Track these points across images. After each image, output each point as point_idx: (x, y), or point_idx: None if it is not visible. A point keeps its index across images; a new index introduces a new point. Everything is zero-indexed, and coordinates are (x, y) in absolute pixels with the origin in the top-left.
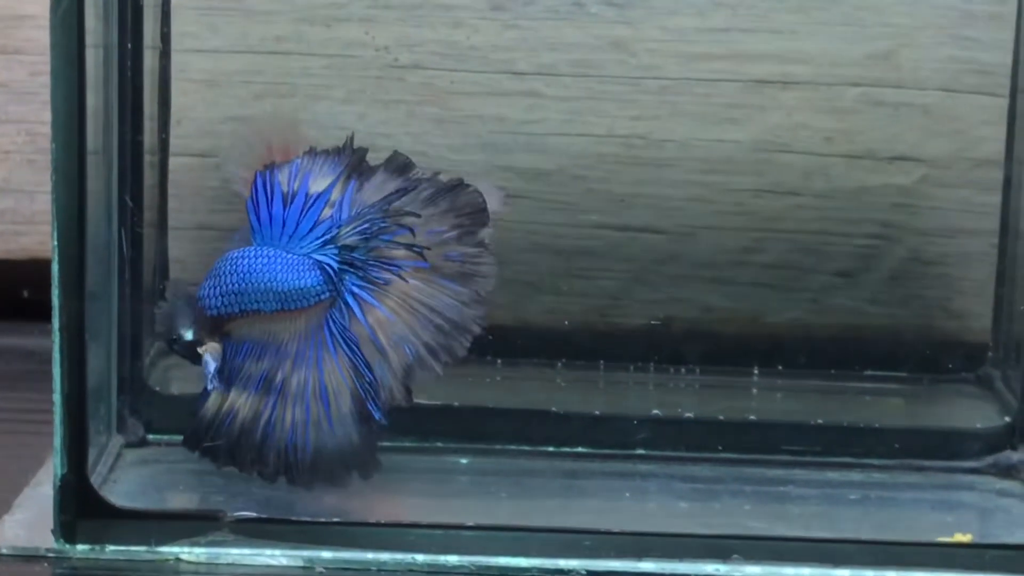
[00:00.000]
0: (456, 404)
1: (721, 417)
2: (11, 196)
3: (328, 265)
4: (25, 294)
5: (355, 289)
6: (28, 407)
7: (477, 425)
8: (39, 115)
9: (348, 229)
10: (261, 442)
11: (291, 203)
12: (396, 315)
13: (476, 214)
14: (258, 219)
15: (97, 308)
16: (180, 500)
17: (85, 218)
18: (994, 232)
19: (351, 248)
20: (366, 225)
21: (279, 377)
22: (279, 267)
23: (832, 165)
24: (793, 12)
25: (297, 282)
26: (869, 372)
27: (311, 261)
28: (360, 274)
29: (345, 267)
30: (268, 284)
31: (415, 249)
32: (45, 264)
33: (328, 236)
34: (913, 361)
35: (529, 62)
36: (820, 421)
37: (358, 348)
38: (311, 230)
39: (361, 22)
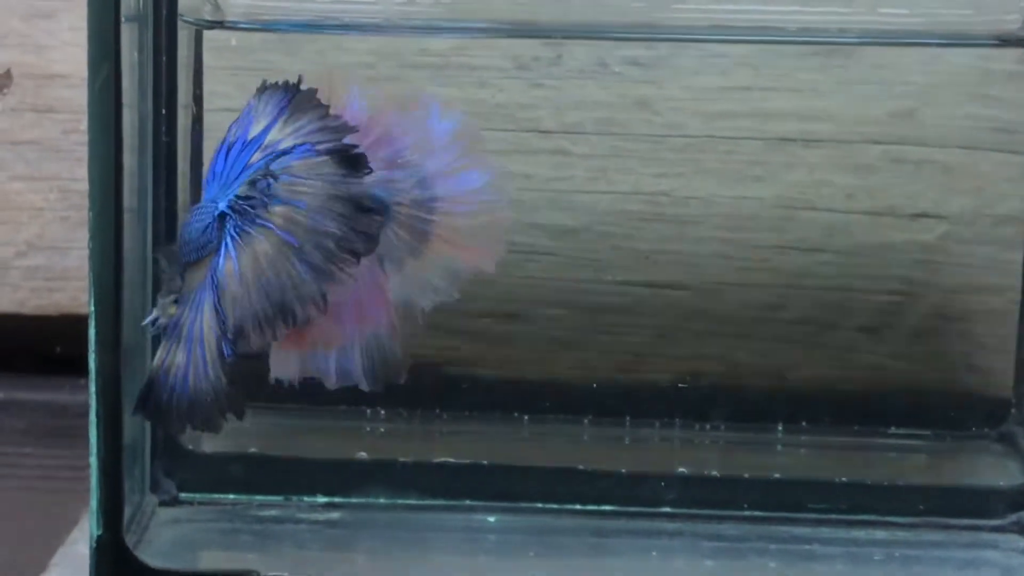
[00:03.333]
0: (484, 462)
1: (747, 475)
2: (44, 253)
3: (222, 211)
4: (58, 349)
5: (234, 233)
6: (61, 463)
7: (505, 483)
8: (72, 172)
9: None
10: (153, 388)
11: (230, 151)
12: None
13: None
14: (213, 171)
15: (132, 367)
16: (213, 559)
17: (121, 285)
18: (1016, 288)
19: (242, 197)
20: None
21: (179, 323)
22: (194, 218)
23: (855, 222)
24: (815, 71)
25: (199, 232)
26: (892, 429)
27: (213, 209)
28: (241, 218)
29: (230, 212)
30: (187, 235)
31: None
32: (78, 320)
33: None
34: (935, 417)
35: (555, 121)
36: (844, 479)
37: (218, 288)
38: (237, 178)
39: (388, 81)
